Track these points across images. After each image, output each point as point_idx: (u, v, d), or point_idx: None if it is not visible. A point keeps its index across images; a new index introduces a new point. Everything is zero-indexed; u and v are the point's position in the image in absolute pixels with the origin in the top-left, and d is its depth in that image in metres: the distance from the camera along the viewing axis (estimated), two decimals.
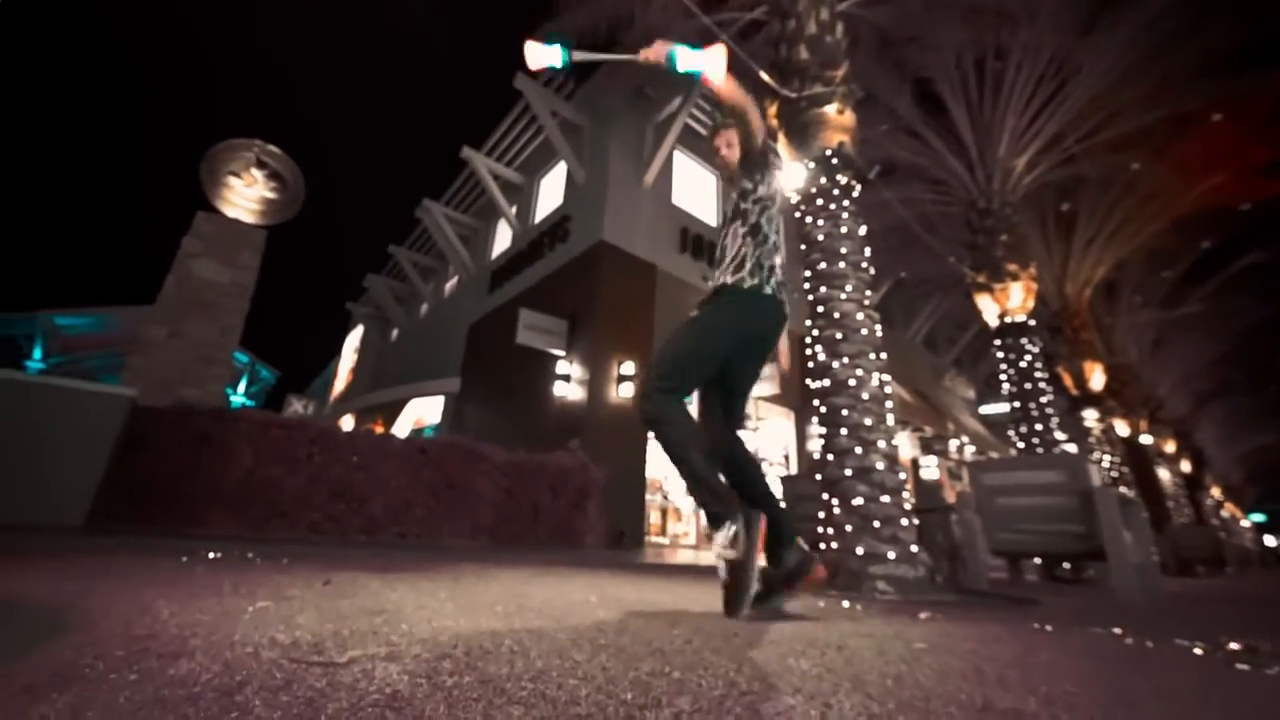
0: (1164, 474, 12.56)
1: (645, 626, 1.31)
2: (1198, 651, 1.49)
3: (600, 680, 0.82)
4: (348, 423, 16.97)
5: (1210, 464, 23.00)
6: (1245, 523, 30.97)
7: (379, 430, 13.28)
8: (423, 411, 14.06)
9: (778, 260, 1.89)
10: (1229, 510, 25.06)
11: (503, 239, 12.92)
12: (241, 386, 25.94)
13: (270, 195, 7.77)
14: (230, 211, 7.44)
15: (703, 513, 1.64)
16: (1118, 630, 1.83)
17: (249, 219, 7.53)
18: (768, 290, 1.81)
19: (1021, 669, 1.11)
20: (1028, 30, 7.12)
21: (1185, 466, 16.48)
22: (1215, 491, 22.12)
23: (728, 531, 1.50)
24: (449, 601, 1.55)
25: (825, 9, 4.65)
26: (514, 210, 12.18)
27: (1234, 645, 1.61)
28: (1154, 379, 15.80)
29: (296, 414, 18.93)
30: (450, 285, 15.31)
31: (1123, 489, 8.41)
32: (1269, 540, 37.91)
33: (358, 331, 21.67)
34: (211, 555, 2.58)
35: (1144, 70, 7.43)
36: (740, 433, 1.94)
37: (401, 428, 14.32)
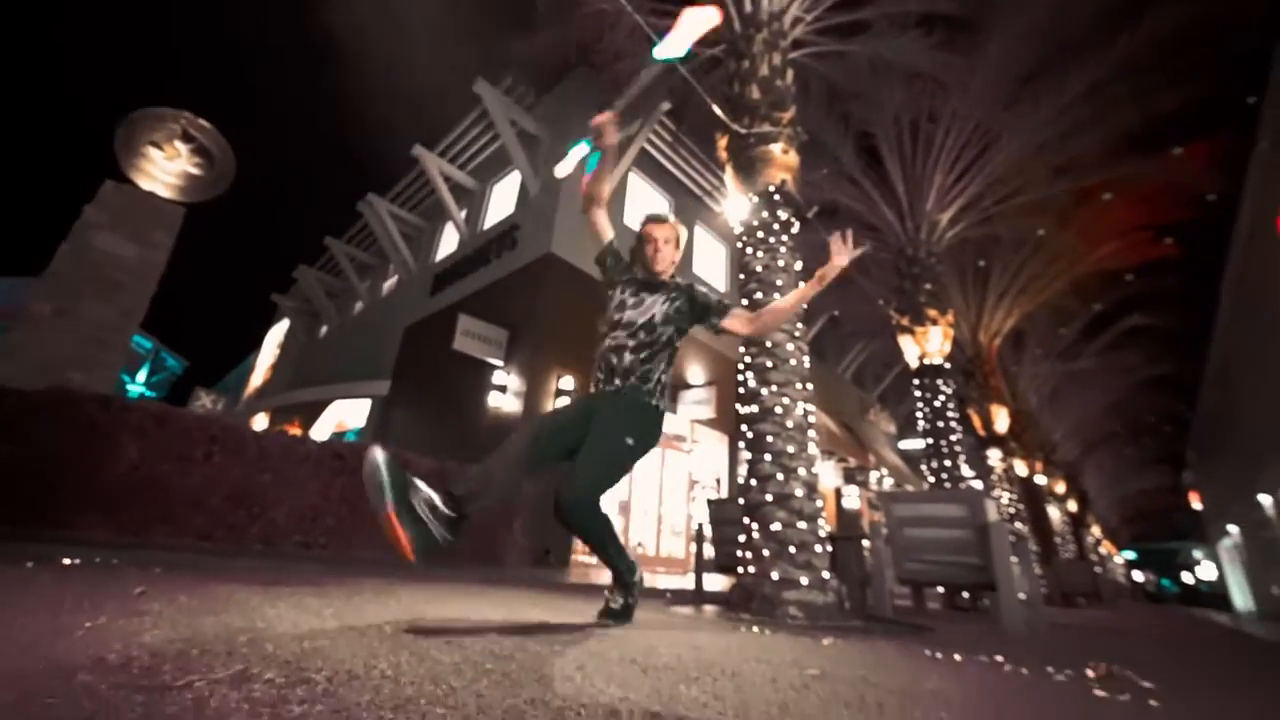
0: (1054, 512, 13.74)
1: (541, 650, 1.25)
2: (1061, 679, 1.61)
3: (470, 710, 0.77)
4: (261, 422, 15.74)
5: (1093, 505, 25.40)
6: (1119, 559, 34.29)
7: (295, 432, 12.40)
8: (346, 415, 13.27)
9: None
10: (1106, 547, 27.69)
11: (449, 242, 12.56)
12: (142, 375, 23.59)
13: (193, 171, 7.18)
14: (145, 184, 6.80)
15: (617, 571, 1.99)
16: (1000, 658, 1.95)
17: (166, 194, 6.92)
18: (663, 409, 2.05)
19: (902, 697, 1.14)
20: (958, 99, 7.82)
21: (1072, 506, 18.10)
22: (1096, 530, 24.41)
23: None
24: (333, 619, 1.43)
25: (778, 55, 4.90)
26: (463, 214, 11.89)
27: (1093, 673, 1.74)
28: (1050, 425, 17.37)
29: (204, 408, 17.37)
30: (389, 284, 14.67)
31: (1018, 525, 9.12)
32: (1137, 576, 42.20)
33: (282, 325, 20.29)
34: (66, 561, 2.28)
35: (1055, 146, 8.33)
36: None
37: (321, 430, 13.43)
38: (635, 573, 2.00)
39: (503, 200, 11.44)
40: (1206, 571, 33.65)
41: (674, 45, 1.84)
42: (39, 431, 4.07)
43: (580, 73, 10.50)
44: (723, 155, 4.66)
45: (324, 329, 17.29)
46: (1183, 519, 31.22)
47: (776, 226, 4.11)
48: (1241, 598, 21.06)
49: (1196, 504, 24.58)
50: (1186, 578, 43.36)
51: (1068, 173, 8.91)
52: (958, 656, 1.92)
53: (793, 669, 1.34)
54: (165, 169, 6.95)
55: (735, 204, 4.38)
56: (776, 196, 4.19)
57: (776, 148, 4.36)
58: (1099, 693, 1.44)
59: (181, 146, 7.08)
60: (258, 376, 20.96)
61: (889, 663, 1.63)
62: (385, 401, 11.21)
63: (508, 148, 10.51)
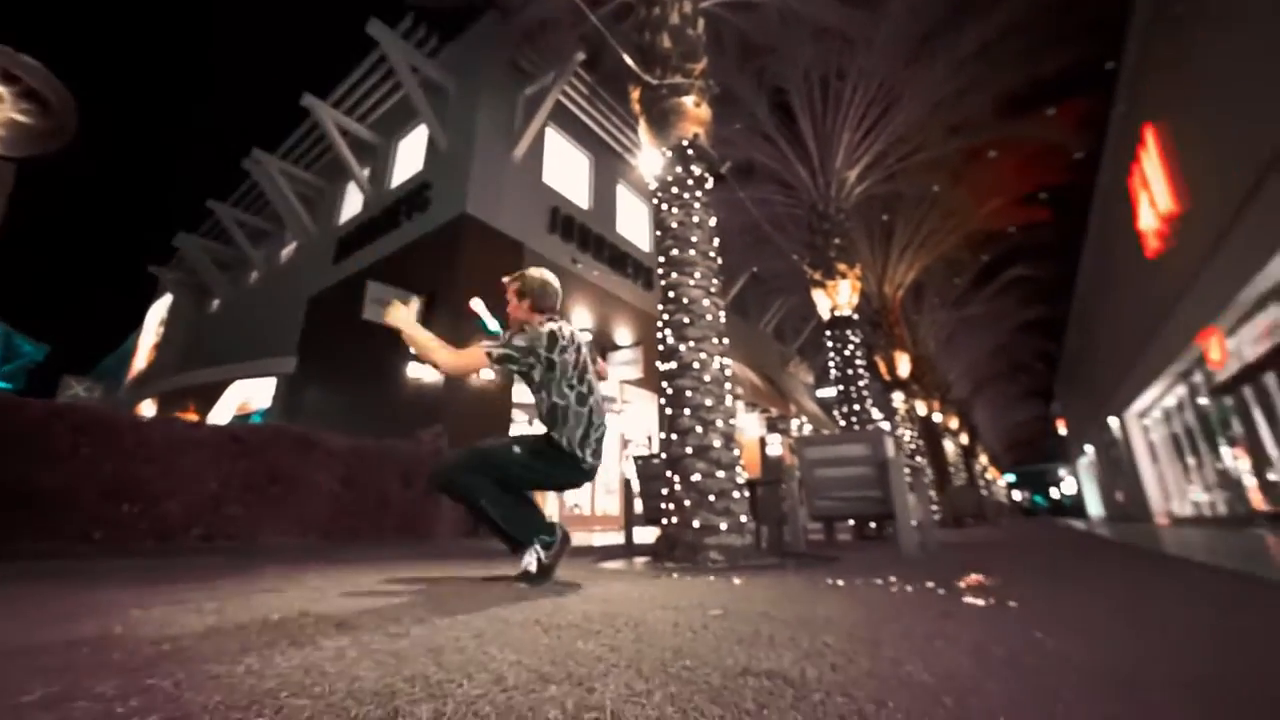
0: (949, 445, 15.31)
1: (441, 622, 1.22)
2: (941, 592, 1.80)
3: (338, 695, 0.73)
4: (148, 409, 14.13)
5: (981, 436, 28.60)
6: (1001, 482, 39.10)
7: (190, 417, 11.24)
8: (249, 395, 12.20)
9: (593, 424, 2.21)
10: (992, 473, 31.42)
11: (353, 203, 11.54)
12: None
13: (21, 119, 6.01)
14: None
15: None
16: (892, 579, 2.15)
17: None
18: (587, 465, 2.18)
19: (793, 627, 1.22)
20: (864, 55, 8.02)
21: (964, 439, 20.24)
22: (983, 458, 27.57)
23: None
24: (213, 615, 1.31)
25: (689, 2, 4.75)
26: (366, 173, 10.92)
27: (963, 584, 1.96)
28: (946, 367, 19.15)
29: (76, 399, 15.33)
30: (287, 251, 13.35)
31: (918, 459, 10.08)
32: (1016, 495, 48.51)
33: (165, 301, 18.08)
34: None
35: (950, 105, 8.84)
36: None
37: (221, 413, 12.30)
38: (540, 534, 2.04)
39: (410, 157, 10.59)
40: (1069, 487, 39.17)
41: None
42: None
43: (490, 17, 9.74)
44: (636, 108, 4.51)
45: (215, 303, 15.59)
46: (1051, 443, 35.90)
47: (690, 182, 4.08)
48: (1094, 506, 24.84)
49: (1062, 430, 28.28)
50: (1054, 494, 50.41)
51: (960, 132, 9.48)
52: (858, 581, 2.09)
53: (697, 611, 1.39)
54: None
55: (649, 158, 4.29)
56: (690, 151, 4.14)
57: (689, 100, 4.28)
58: (967, 600, 1.62)
59: (3, 90, 5.91)
60: (140, 359, 18.70)
61: (792, 594, 1.75)
62: (292, 379, 10.39)
63: (411, 98, 9.66)
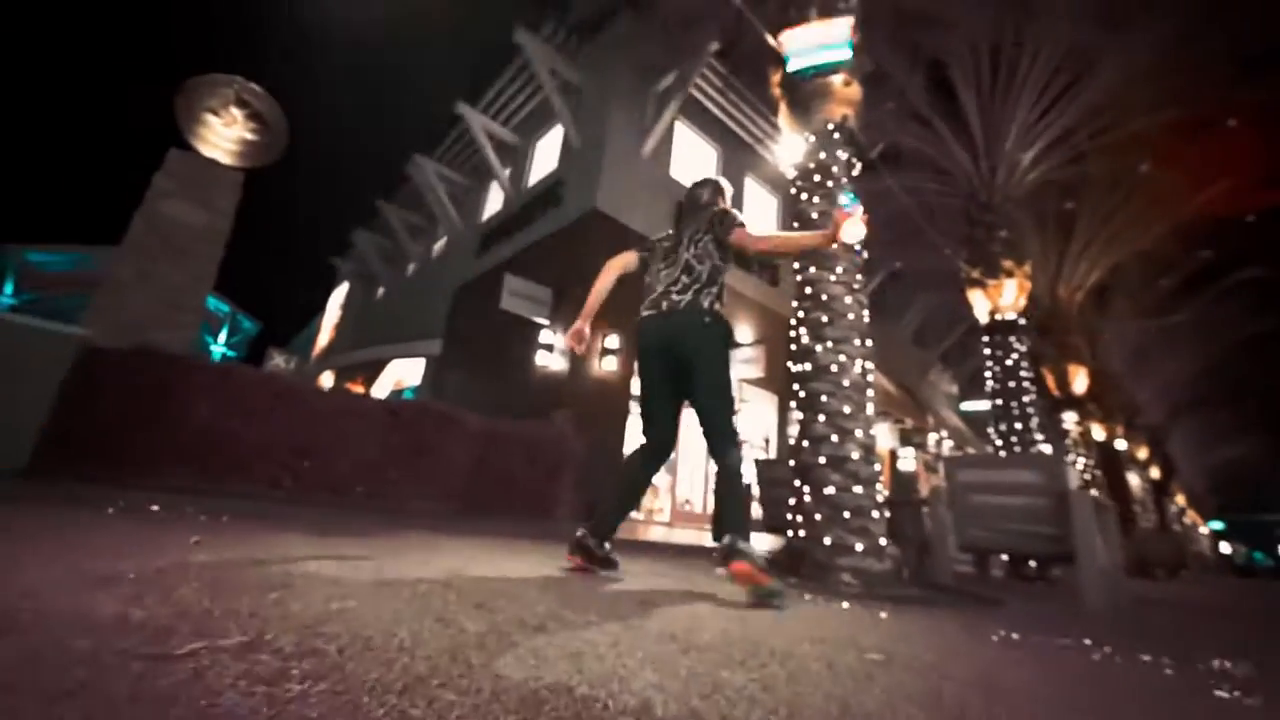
0: (1134, 479, 12.78)
1: (575, 619, 1.18)
2: (1169, 672, 1.41)
3: (484, 695, 0.68)
4: (328, 380, 16.69)
5: (1178, 472, 23.55)
6: (1204, 530, 31.96)
7: (359, 390, 13.06)
8: (404, 373, 13.84)
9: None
10: (1190, 517, 25.79)
11: (494, 201, 12.53)
12: (222, 337, 25.43)
13: (250, 137, 7.33)
14: (207, 151, 6.99)
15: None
16: (1086, 641, 1.75)
17: (226, 160, 7.11)
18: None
19: (984, 692, 1.00)
20: (1047, 18, 6.84)
21: (1154, 473, 16.82)
22: (1180, 498, 22.71)
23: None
24: (370, 573, 1.41)
25: None
26: (507, 172, 11.77)
27: (1204, 666, 1.52)
28: (1133, 386, 15.95)
29: (278, 367, 18.58)
30: (439, 246, 14.91)
31: (1093, 491, 8.49)
32: (1224, 548, 39.30)
33: (343, 288, 21.19)
34: (155, 508, 2.43)
35: (1164, 69, 7.16)
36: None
37: (381, 388, 14.11)
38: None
39: (546, 156, 11.21)
40: None
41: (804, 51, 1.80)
42: (124, 387, 4.38)
43: (624, 16, 9.93)
44: (775, 92, 4.26)
45: (380, 290, 17.91)
46: None
47: (835, 169, 3.74)
48: None
49: None
50: None
51: (1178, 99, 7.71)
52: (1036, 639, 1.74)
53: (850, 651, 1.21)
54: (224, 135, 7.10)
55: (789, 145, 4.02)
56: (836, 135, 3.81)
57: (837, 79, 3.93)
58: (1219, 693, 1.24)
59: (237, 112, 7.21)
60: (324, 337, 22.15)
61: (959, 646, 1.48)
62: (438, 361, 11.56)
63: (550, 100, 10.18)
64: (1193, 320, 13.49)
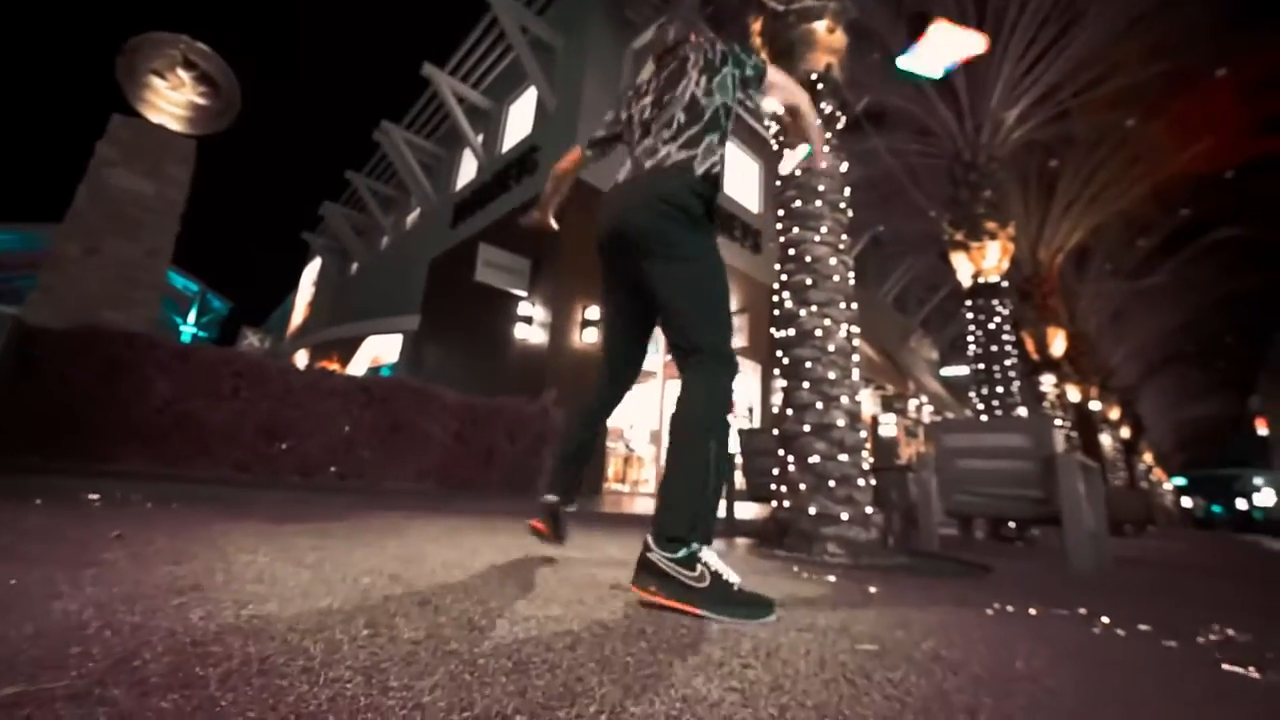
0: (1105, 439, 13.10)
1: (540, 621, 1.04)
2: (1173, 644, 1.33)
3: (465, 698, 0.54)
4: (302, 358, 16.25)
5: (1146, 431, 24.31)
6: (1168, 485, 33.32)
7: (334, 367, 12.71)
8: (380, 349, 13.49)
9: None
10: (1156, 474, 26.79)
11: (468, 169, 12.03)
12: (192, 316, 24.58)
13: (199, 101, 6.82)
14: (153, 116, 6.48)
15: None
16: (1082, 611, 1.68)
17: (174, 126, 6.61)
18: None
19: (996, 688, 0.89)
20: None
21: (1125, 433, 17.28)
22: (1147, 456, 23.50)
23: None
24: (309, 571, 1.26)
25: None
26: (480, 139, 11.27)
27: (1204, 638, 1.45)
28: (1110, 348, 16.23)
29: (251, 346, 18.02)
30: (412, 217, 14.37)
31: (1078, 454, 8.62)
32: (1186, 502, 41.14)
33: (315, 264, 20.48)
34: (93, 497, 2.24)
35: (1155, 19, 6.96)
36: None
37: (358, 365, 13.76)
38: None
39: (520, 121, 10.73)
40: (1265, 498, 32.48)
41: (927, 61, 1.44)
42: (70, 369, 4.10)
43: None
44: (757, 41, 4.00)
45: (354, 266, 17.33)
46: (1242, 445, 29.76)
47: (818, 122, 3.54)
48: None
49: (1262, 429, 23.22)
50: (1240, 504, 41.98)
51: (1166, 52, 7.52)
52: (1032, 610, 1.66)
53: (842, 640, 1.09)
54: (171, 100, 6.60)
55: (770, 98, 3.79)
56: (820, 85, 3.59)
57: (821, 26, 3.69)
58: (1228, 667, 1.16)
59: (185, 74, 6.68)
60: (298, 314, 21.51)
61: (956, 626, 1.38)
62: (416, 336, 11.25)
63: (521, 60, 9.67)
64: (1169, 281, 13.67)
